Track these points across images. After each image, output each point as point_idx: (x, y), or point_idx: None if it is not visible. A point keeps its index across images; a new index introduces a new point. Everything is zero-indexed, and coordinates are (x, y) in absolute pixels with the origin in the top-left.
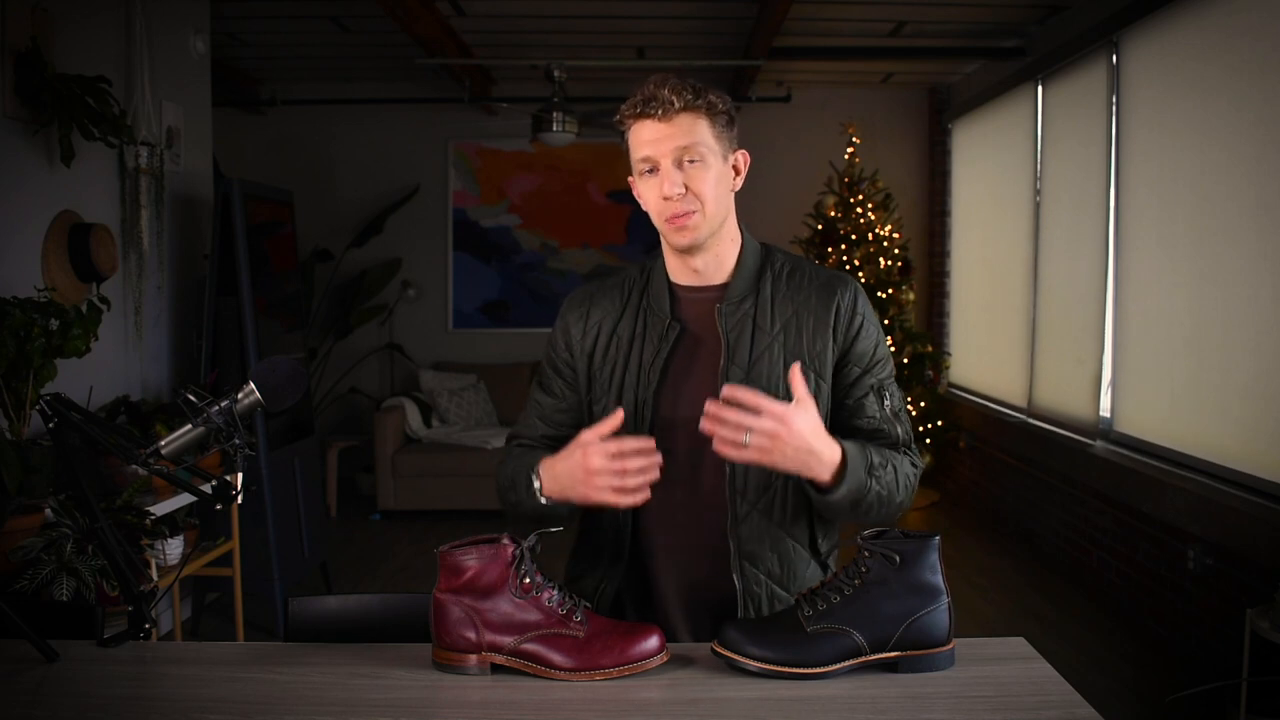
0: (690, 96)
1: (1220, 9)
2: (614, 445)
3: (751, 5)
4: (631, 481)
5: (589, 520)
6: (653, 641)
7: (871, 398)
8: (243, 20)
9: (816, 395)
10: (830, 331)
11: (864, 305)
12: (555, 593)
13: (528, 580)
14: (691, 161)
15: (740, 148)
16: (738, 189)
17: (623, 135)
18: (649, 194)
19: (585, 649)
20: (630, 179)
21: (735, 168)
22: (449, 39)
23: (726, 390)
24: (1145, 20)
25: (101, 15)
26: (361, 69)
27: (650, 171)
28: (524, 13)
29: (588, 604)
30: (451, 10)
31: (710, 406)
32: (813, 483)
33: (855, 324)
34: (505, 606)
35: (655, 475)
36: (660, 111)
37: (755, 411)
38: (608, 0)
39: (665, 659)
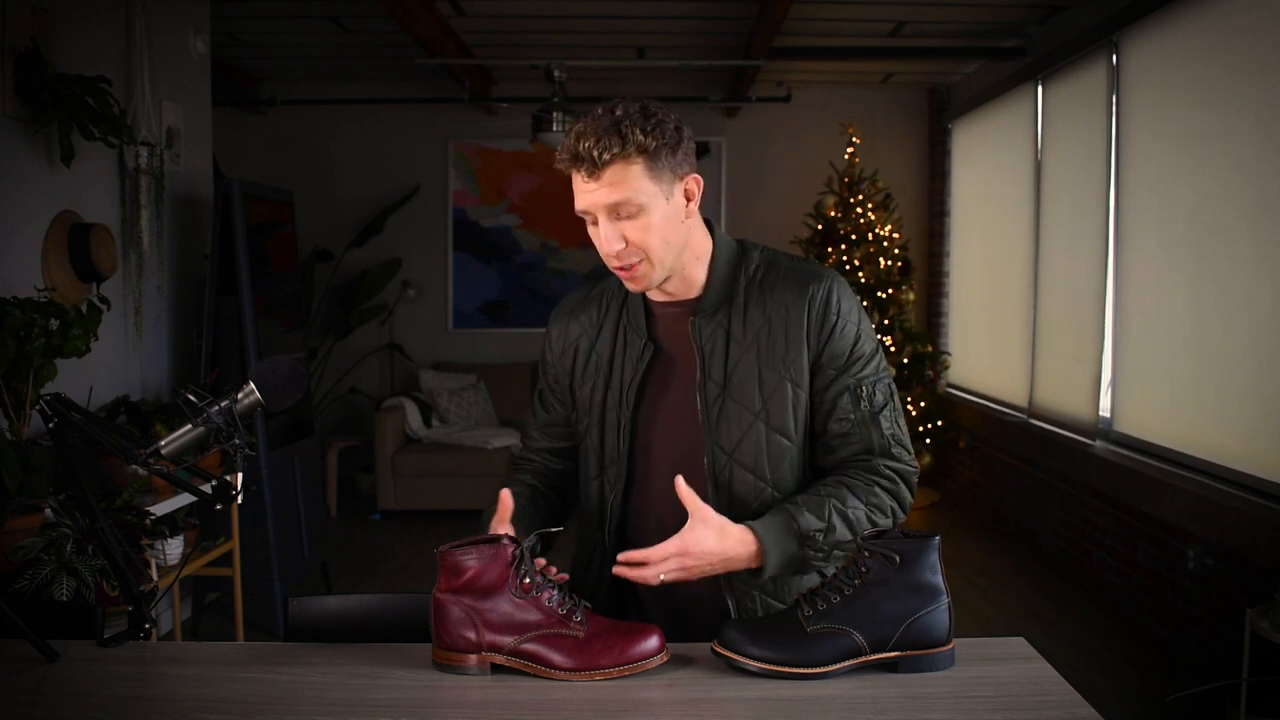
0: (617, 147)
1: (1220, 9)
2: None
3: (751, 5)
4: None
5: (582, 529)
6: (653, 641)
7: (846, 398)
8: (243, 20)
9: (795, 405)
10: (803, 335)
11: (839, 301)
12: (555, 593)
13: (528, 580)
14: (629, 215)
15: (692, 170)
16: (693, 215)
17: None
18: (595, 241)
19: (585, 649)
20: None
21: (687, 195)
22: (449, 39)
23: (620, 559)
24: (1145, 20)
25: (101, 15)
26: (361, 69)
27: (593, 224)
28: (524, 13)
29: (588, 604)
30: (451, 10)
31: (616, 571)
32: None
33: (829, 324)
34: (505, 606)
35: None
36: (586, 170)
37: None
38: (608, 0)
39: (665, 659)
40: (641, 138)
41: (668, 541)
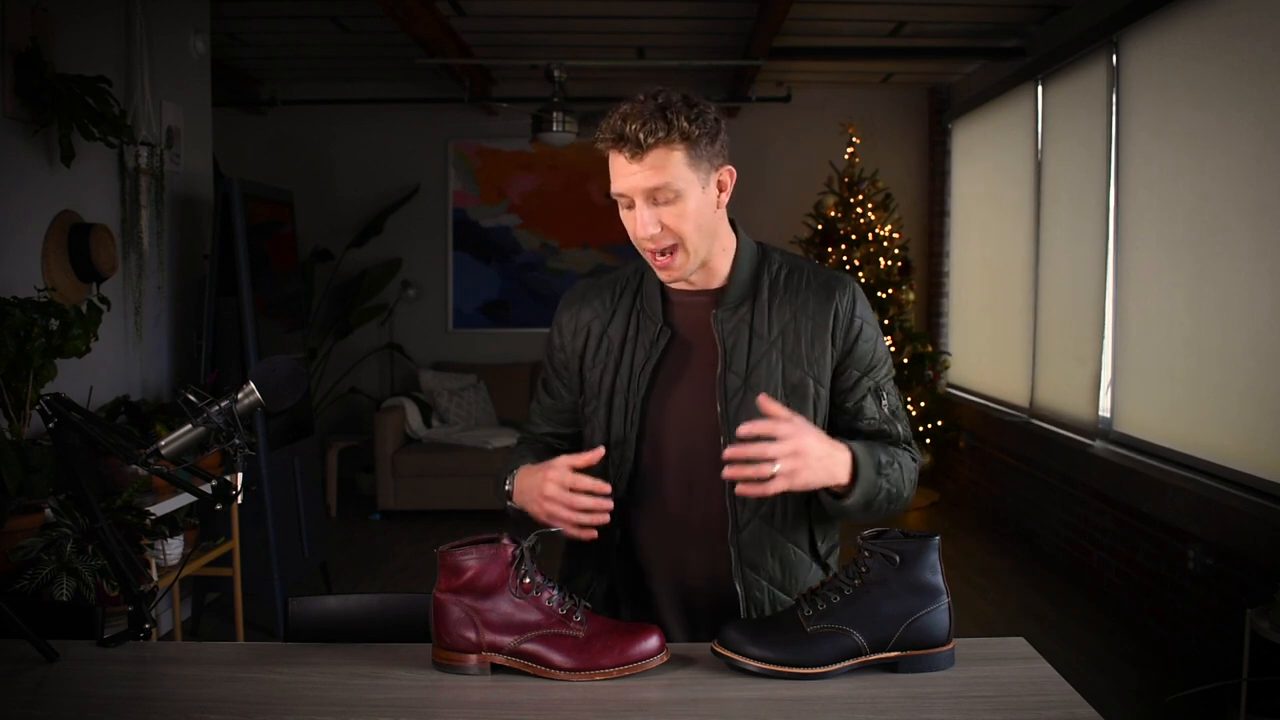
0: (662, 131)
1: (1220, 9)
2: (570, 478)
3: (751, 5)
4: (581, 517)
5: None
6: (653, 641)
7: (870, 399)
8: (243, 20)
9: (816, 401)
10: (829, 336)
11: (863, 307)
12: (555, 593)
13: (528, 580)
14: (667, 201)
15: (726, 162)
16: (724, 204)
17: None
18: (628, 225)
19: (585, 649)
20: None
21: (720, 185)
22: (449, 39)
23: (741, 430)
24: (1145, 20)
25: (101, 15)
26: (361, 69)
27: (628, 207)
28: (524, 13)
29: (587, 604)
30: (451, 10)
31: (730, 452)
32: (829, 490)
33: (854, 328)
34: (505, 606)
35: (603, 519)
36: (630, 152)
37: (770, 438)
38: (608, 0)
39: (665, 659)
40: (686, 124)
41: (784, 423)
